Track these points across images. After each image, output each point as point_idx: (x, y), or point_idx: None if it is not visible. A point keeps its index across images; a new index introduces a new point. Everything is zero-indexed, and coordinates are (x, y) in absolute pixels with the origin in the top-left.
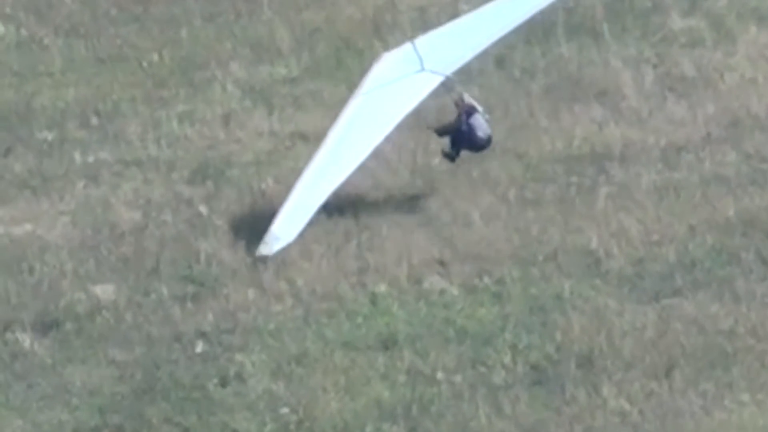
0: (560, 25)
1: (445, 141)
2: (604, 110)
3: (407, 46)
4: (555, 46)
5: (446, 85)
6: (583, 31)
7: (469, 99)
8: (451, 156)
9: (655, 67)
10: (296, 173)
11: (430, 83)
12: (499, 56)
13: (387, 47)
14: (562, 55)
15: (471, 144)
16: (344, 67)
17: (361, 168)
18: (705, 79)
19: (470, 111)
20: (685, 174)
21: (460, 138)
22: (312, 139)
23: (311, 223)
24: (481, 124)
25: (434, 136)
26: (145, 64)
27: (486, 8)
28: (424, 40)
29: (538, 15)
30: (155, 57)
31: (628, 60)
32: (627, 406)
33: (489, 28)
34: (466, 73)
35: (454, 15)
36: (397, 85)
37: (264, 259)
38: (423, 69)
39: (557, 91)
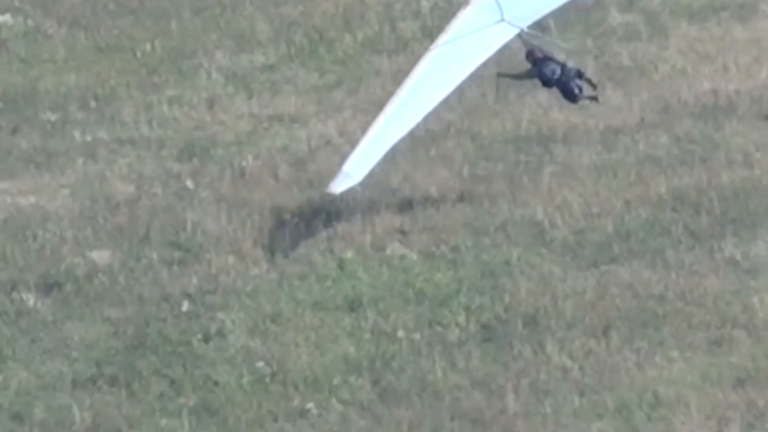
0: None
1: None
2: (550, 96)
3: None
4: None
5: (522, 38)
6: (531, 26)
7: (540, 50)
8: (593, 97)
9: (596, 57)
10: (273, 151)
11: (506, 34)
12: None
13: (355, 39)
14: (512, 47)
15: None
16: (317, 55)
17: (330, 146)
18: (640, 69)
19: (542, 59)
20: (622, 155)
21: (564, 87)
22: (287, 121)
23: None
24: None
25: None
26: (139, 53)
27: None
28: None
29: None
30: (148, 47)
31: (572, 51)
32: (569, 362)
33: None
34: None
35: (417, 11)
36: (476, 35)
37: (332, 195)
38: (502, 20)
39: (507, 78)
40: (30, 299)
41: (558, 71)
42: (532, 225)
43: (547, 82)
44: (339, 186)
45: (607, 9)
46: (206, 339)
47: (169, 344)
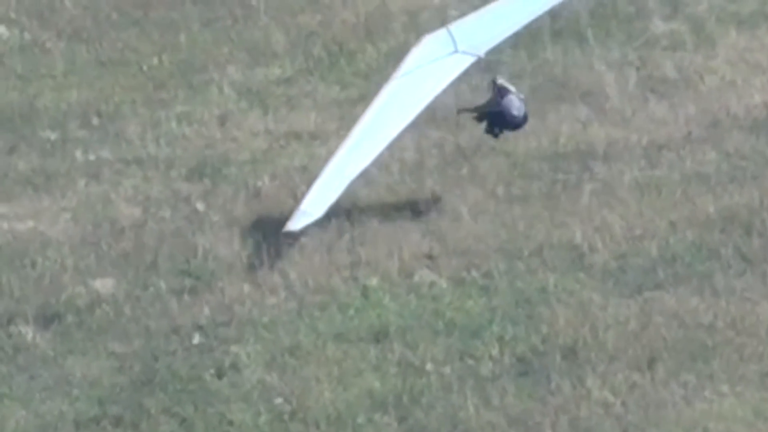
0: (546, 30)
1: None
2: (589, 110)
3: (443, 31)
4: (541, 50)
5: (480, 65)
6: (567, 35)
7: (501, 80)
8: (494, 134)
9: (637, 69)
10: (291, 171)
11: (462, 64)
12: (486, 61)
13: (378, 51)
14: (548, 58)
15: (506, 123)
16: (337, 68)
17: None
18: (686, 80)
19: (503, 92)
20: (667, 172)
21: (496, 119)
22: (306, 138)
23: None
24: (514, 103)
25: (422, 134)
26: (145, 67)
27: None
28: (458, 25)
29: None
30: (155, 60)
31: (612, 63)
32: (611, 397)
33: (522, 11)
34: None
35: (444, 20)
36: (431, 67)
37: (291, 235)
38: (456, 51)
39: (543, 92)
40: (28, 332)
41: (522, 108)
42: (571, 249)
43: (508, 118)
44: (296, 224)
45: (649, 17)
46: (219, 374)
47: (180, 380)
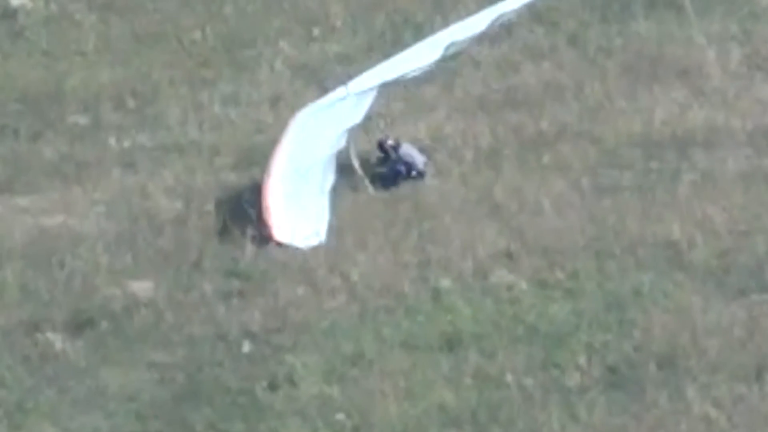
0: (638, 0)
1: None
2: (686, 91)
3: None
4: (633, 23)
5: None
6: (663, 5)
7: (389, 140)
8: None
9: (741, 44)
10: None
11: (356, 103)
12: (572, 34)
13: (448, 22)
14: (640, 32)
15: (413, 175)
16: (403, 43)
17: (421, 151)
18: None
19: (396, 147)
20: None
21: (399, 175)
22: (369, 122)
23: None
24: (413, 154)
25: (498, 117)
26: (186, 42)
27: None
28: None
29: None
30: (197, 34)
31: (713, 37)
32: (713, 412)
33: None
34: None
35: None
36: (328, 112)
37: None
38: (348, 94)
39: (635, 70)
40: (57, 341)
41: (403, 168)
42: (667, 246)
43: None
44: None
45: None
46: (272, 387)
47: (227, 393)
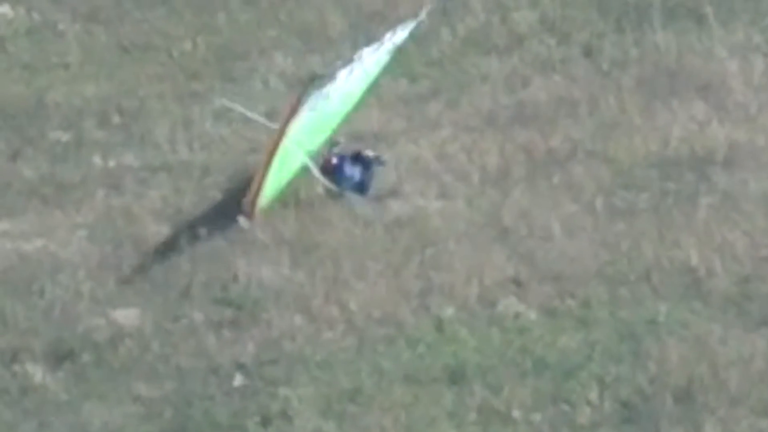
0: (656, 9)
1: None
2: (707, 106)
3: None
4: (650, 33)
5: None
6: (682, 15)
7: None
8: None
9: (765, 56)
10: None
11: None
12: (585, 45)
13: (455, 34)
14: (658, 43)
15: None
16: (406, 57)
17: (425, 172)
18: None
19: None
20: None
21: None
22: (369, 140)
23: None
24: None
25: (506, 135)
26: (175, 53)
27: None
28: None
29: None
30: (188, 45)
31: (735, 48)
32: None
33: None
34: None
35: None
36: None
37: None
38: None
39: (652, 84)
40: (36, 372)
41: (357, 173)
42: (685, 272)
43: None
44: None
45: None
46: (265, 422)
47: (218, 429)
